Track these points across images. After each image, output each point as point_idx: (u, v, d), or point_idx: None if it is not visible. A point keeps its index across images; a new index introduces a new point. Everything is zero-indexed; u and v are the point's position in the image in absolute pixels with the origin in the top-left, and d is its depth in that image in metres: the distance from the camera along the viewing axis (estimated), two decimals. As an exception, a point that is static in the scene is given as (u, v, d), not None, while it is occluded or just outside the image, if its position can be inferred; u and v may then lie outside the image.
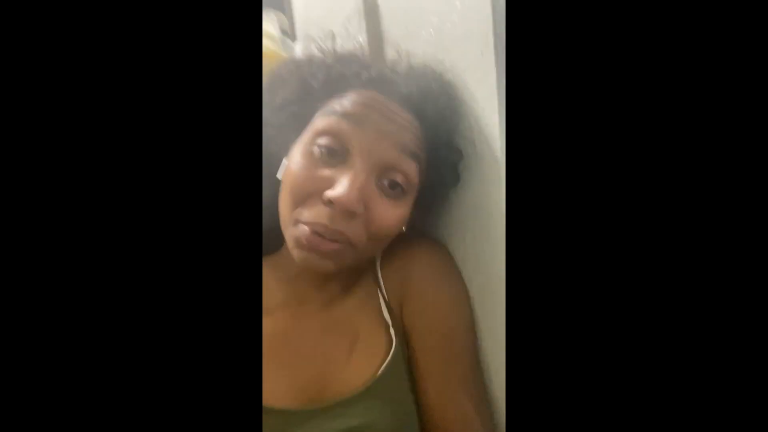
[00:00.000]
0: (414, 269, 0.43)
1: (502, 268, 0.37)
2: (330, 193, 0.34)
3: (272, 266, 0.45)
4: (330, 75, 0.39)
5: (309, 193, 0.36)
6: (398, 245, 0.42)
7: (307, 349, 0.40)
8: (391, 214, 0.37)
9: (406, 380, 0.40)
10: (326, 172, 0.36)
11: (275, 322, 0.41)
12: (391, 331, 0.41)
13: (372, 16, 0.53)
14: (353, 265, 0.40)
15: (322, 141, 0.37)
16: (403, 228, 0.41)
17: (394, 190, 0.37)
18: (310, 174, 0.36)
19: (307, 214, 0.36)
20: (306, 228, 0.36)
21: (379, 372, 0.39)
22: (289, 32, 0.63)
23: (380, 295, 0.43)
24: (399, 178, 0.37)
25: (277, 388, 0.38)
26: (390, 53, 0.50)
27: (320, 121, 0.38)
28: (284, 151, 0.41)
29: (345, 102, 0.37)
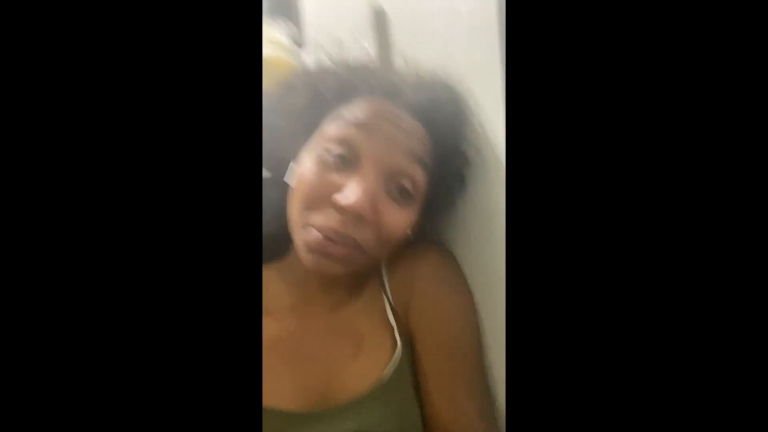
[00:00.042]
0: (419, 273, 0.43)
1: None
2: (341, 199, 0.35)
3: (280, 270, 0.45)
4: (342, 85, 0.40)
5: (320, 198, 0.37)
6: (404, 250, 0.43)
7: (313, 352, 0.41)
8: (400, 219, 0.38)
9: (411, 384, 0.40)
10: (337, 178, 0.37)
11: (282, 324, 0.42)
12: (396, 334, 0.41)
13: (380, 25, 0.55)
14: (360, 269, 0.41)
15: (334, 149, 0.38)
16: (409, 232, 0.41)
17: (402, 195, 0.38)
18: (322, 180, 0.37)
19: (318, 218, 0.37)
20: (317, 232, 0.36)
21: (384, 375, 0.39)
22: (297, 40, 0.64)
23: (385, 299, 0.44)
24: (407, 184, 0.38)
25: (282, 390, 0.38)
26: (398, 62, 0.51)
27: (332, 128, 0.39)
28: (295, 156, 0.42)
29: (356, 110, 0.38)
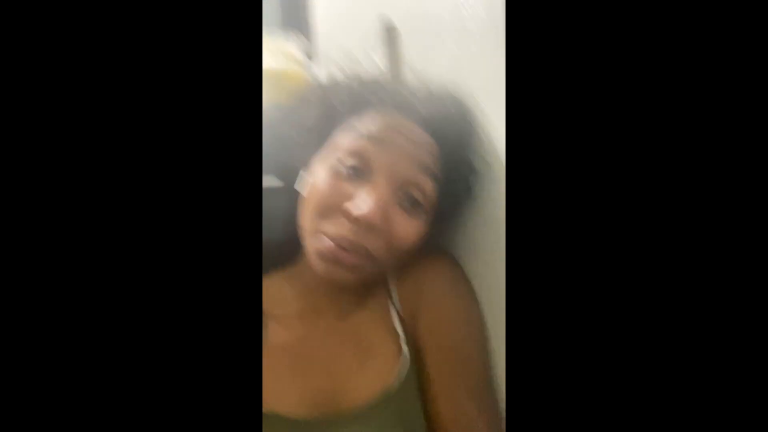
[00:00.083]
0: (427, 283, 0.44)
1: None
2: (353, 209, 0.36)
3: (289, 276, 0.46)
4: (354, 98, 0.41)
5: (332, 207, 0.38)
6: (411, 258, 0.43)
7: (320, 360, 0.41)
8: (410, 229, 0.39)
9: (418, 393, 0.40)
10: (349, 187, 0.38)
11: (290, 331, 0.42)
12: (403, 343, 0.42)
13: (390, 39, 0.56)
14: (369, 278, 0.41)
15: (347, 159, 0.39)
16: (418, 241, 0.42)
17: (412, 205, 0.39)
18: (334, 189, 0.38)
19: (330, 227, 0.37)
20: (329, 240, 0.37)
21: (391, 384, 0.39)
22: (309, 54, 0.65)
23: (393, 308, 0.44)
24: (417, 195, 0.39)
25: (289, 397, 0.39)
26: (408, 75, 0.52)
27: (344, 140, 0.40)
28: (307, 166, 0.43)
29: (368, 123, 0.39)
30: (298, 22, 0.97)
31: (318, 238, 0.38)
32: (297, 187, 0.43)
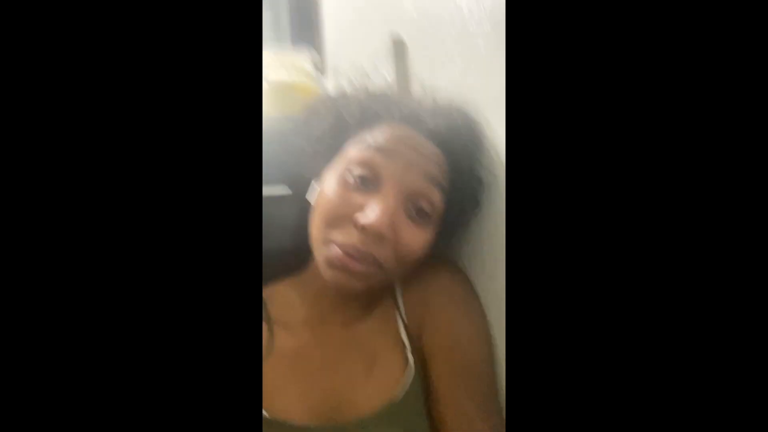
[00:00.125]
0: (434, 293, 0.44)
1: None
2: (362, 218, 0.37)
3: (296, 284, 0.47)
4: (363, 111, 0.42)
5: (342, 217, 0.38)
6: (419, 269, 0.44)
7: (326, 367, 0.41)
8: (418, 238, 0.40)
9: (423, 404, 0.41)
10: (359, 198, 0.39)
11: (296, 338, 0.43)
12: (409, 354, 0.42)
13: (399, 53, 0.57)
14: (376, 287, 0.42)
15: (357, 170, 0.39)
16: (426, 251, 0.42)
17: (420, 216, 0.40)
18: (344, 199, 0.39)
19: (340, 235, 0.38)
20: (338, 249, 0.38)
21: (397, 395, 0.40)
22: (320, 67, 0.67)
23: (399, 318, 0.44)
24: (425, 205, 0.40)
25: (294, 404, 0.39)
26: (416, 89, 0.53)
27: (354, 151, 0.41)
28: (317, 177, 0.44)
29: (378, 135, 0.40)
30: (308, 37, 0.99)
31: (327, 246, 0.39)
32: (307, 196, 0.43)
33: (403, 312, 0.44)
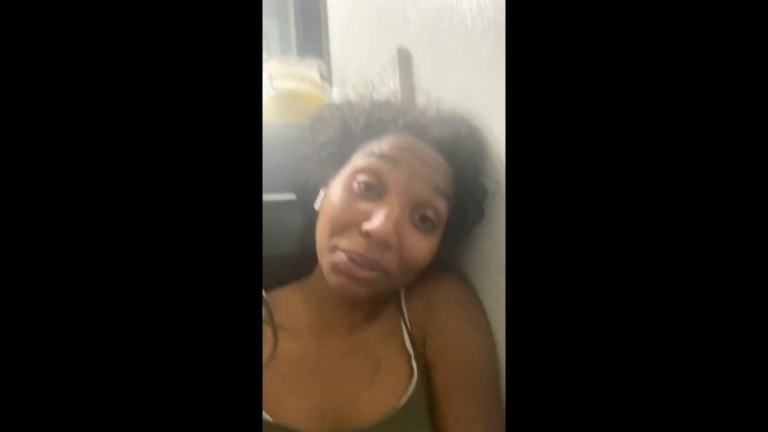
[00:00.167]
0: (438, 302, 0.44)
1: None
2: (367, 226, 0.37)
3: (301, 289, 0.47)
4: (369, 120, 0.43)
5: (348, 224, 0.39)
6: (423, 277, 0.44)
7: (329, 373, 0.41)
8: (422, 246, 0.40)
9: (427, 412, 0.40)
10: (364, 206, 0.39)
11: (300, 344, 0.43)
12: (413, 362, 0.42)
13: (404, 63, 0.58)
14: (381, 294, 0.42)
15: (362, 178, 0.40)
16: (431, 259, 0.42)
17: (425, 224, 0.40)
18: (350, 207, 0.39)
19: (345, 242, 0.39)
20: (343, 255, 0.38)
21: (401, 403, 0.39)
22: (326, 77, 0.68)
23: (403, 326, 0.44)
24: (430, 214, 0.40)
25: (298, 410, 0.39)
26: (421, 98, 0.54)
27: (360, 160, 0.41)
28: (322, 184, 0.45)
29: (383, 145, 0.41)
30: (314, 46, 1.00)
31: (332, 252, 0.39)
32: (316, 206, 0.44)
33: (407, 319, 0.45)
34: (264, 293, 0.47)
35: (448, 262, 0.48)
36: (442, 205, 0.40)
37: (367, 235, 0.37)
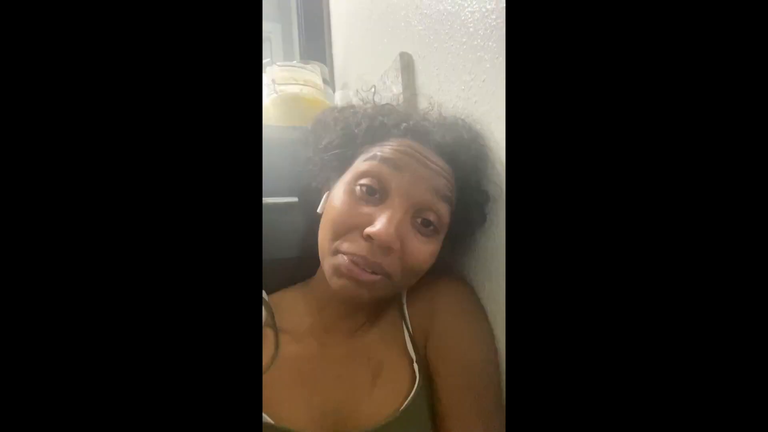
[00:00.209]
0: (440, 305, 0.44)
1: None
2: (370, 229, 0.37)
3: (303, 292, 0.47)
4: (372, 124, 0.43)
5: (350, 228, 0.39)
6: (424, 280, 0.44)
7: (330, 376, 0.41)
8: (424, 250, 0.40)
9: (428, 415, 0.40)
10: (367, 209, 0.39)
11: (301, 347, 0.43)
12: (415, 366, 0.42)
13: (407, 68, 0.58)
14: (383, 297, 0.42)
15: (364, 181, 0.40)
16: (432, 263, 0.43)
17: (427, 228, 0.40)
18: (352, 210, 0.39)
19: (348, 246, 0.39)
20: (345, 258, 0.38)
21: (402, 407, 0.39)
22: (329, 81, 0.68)
23: (405, 329, 0.44)
24: (432, 218, 0.40)
25: (299, 413, 0.39)
26: (423, 103, 0.54)
27: (363, 164, 0.41)
28: (324, 187, 0.45)
29: (386, 149, 0.41)
30: (317, 51, 1.01)
31: (334, 255, 0.39)
32: (319, 210, 0.44)
33: (408, 323, 0.45)
34: (265, 296, 0.47)
35: (449, 266, 0.49)
36: (443, 209, 0.40)
37: (369, 238, 0.37)
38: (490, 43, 0.42)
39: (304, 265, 0.47)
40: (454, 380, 0.41)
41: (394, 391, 0.41)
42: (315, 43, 1.02)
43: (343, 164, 0.43)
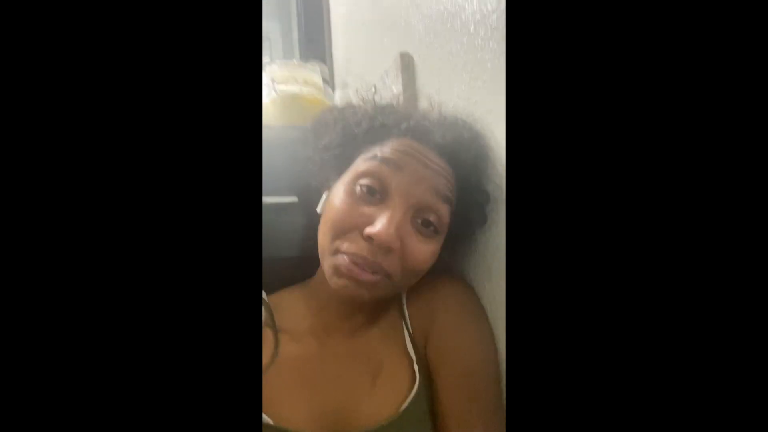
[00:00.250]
0: (440, 306, 0.44)
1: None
2: (370, 229, 0.37)
3: (303, 292, 0.47)
4: (372, 123, 0.43)
5: (350, 228, 0.39)
6: (424, 281, 0.44)
7: (330, 377, 0.41)
8: (424, 251, 0.40)
9: (428, 416, 0.41)
10: (367, 209, 0.39)
11: (301, 347, 0.43)
12: (415, 366, 0.42)
13: (407, 68, 0.58)
14: (383, 298, 0.42)
15: (364, 181, 0.40)
16: (433, 263, 0.43)
17: (427, 228, 0.40)
18: (352, 210, 0.39)
19: (348, 246, 0.39)
20: (346, 258, 0.38)
21: (402, 407, 0.40)
22: (329, 81, 0.68)
23: (405, 329, 0.45)
24: (432, 218, 0.40)
25: (298, 413, 0.39)
26: (423, 102, 0.54)
27: (363, 164, 0.41)
28: (324, 187, 0.45)
29: (386, 149, 0.41)
30: (317, 50, 1.01)
31: (334, 255, 0.39)
32: (319, 210, 0.44)
33: (408, 323, 0.45)
34: (265, 296, 0.47)
35: (449, 266, 0.49)
36: (444, 209, 0.40)
37: (369, 238, 0.37)
38: (491, 44, 0.42)
39: (304, 265, 0.47)
40: (454, 380, 0.41)
41: (394, 391, 0.41)
42: (315, 43, 1.02)
43: (343, 164, 0.43)
